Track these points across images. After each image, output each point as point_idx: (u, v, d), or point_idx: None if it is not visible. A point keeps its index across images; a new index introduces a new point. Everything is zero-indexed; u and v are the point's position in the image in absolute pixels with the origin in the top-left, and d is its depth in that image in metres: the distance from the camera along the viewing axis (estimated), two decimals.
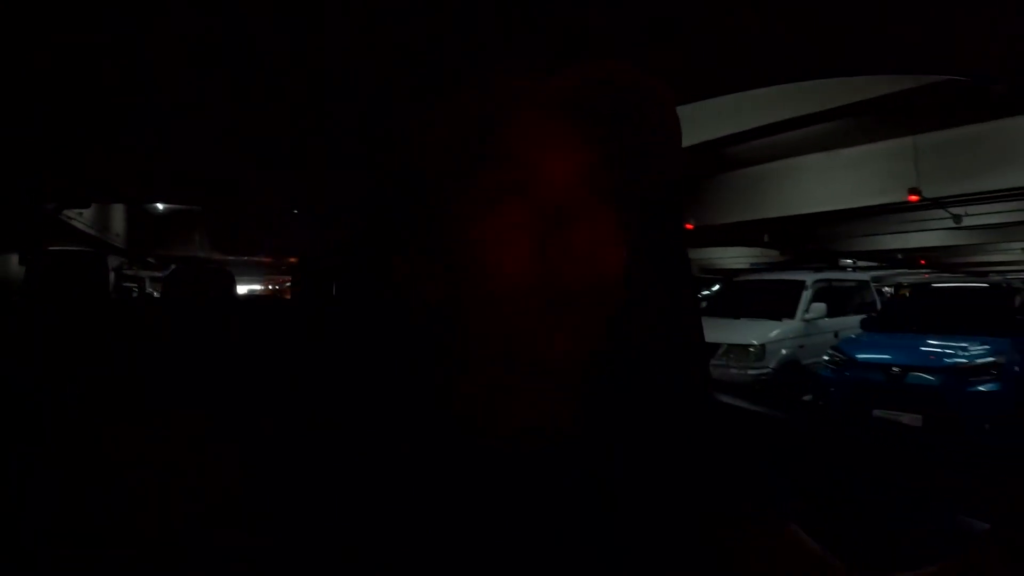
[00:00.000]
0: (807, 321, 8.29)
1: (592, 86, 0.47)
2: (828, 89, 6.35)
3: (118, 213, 12.40)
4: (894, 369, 6.18)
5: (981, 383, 5.81)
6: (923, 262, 18.04)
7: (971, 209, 12.03)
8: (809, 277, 8.91)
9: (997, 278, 10.85)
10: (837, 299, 8.94)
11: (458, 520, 0.50)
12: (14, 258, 2.40)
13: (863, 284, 10.31)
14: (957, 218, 12.18)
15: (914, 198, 9.39)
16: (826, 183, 10.30)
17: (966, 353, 6.08)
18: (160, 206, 12.15)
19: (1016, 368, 5.87)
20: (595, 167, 0.51)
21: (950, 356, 6.13)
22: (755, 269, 14.46)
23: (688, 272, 0.89)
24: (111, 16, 1.27)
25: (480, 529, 0.50)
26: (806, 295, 8.47)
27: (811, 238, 15.67)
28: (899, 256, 18.18)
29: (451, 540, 0.50)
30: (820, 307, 8.43)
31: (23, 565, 1.19)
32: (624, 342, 0.53)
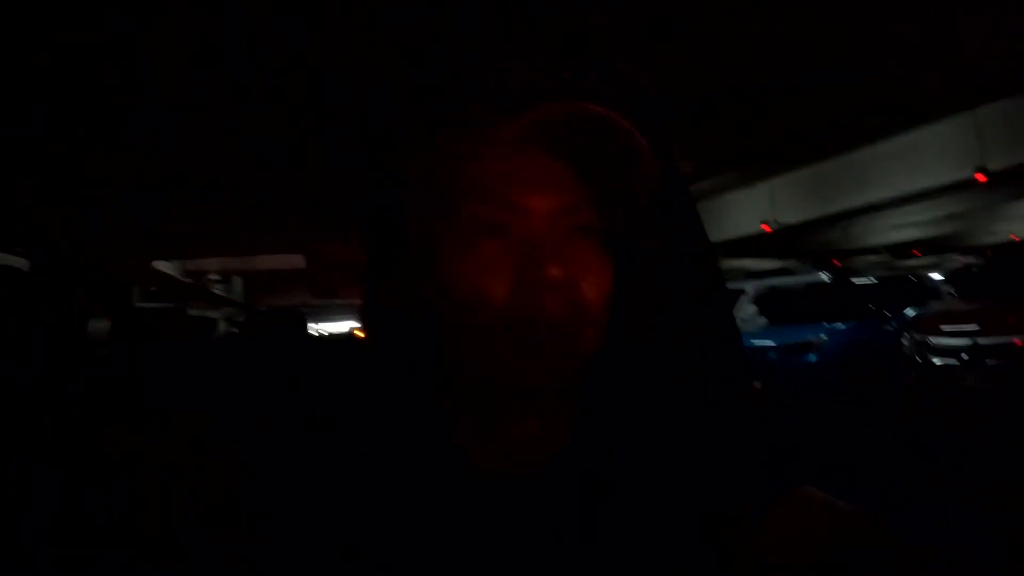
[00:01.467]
0: (742, 320, 10.30)
1: (565, 122, 0.48)
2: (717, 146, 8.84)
3: (238, 281, 18.50)
4: (752, 350, 8.21)
5: (802, 357, 8.04)
6: (917, 253, 18.70)
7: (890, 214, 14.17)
8: (751, 286, 11.19)
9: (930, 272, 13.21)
10: (783, 301, 10.89)
11: (458, 519, 0.50)
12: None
13: (813, 285, 12.17)
14: (844, 229, 14.43)
15: (766, 228, 12.31)
16: (734, 215, 13.41)
17: (800, 337, 8.21)
18: (264, 268, 16.17)
19: (832, 346, 8.00)
20: (573, 202, 0.51)
21: (788, 339, 8.30)
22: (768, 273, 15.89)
23: (696, 271, 0.87)
24: (111, 16, 1.27)
25: (479, 528, 0.50)
26: (743, 299, 10.62)
27: (798, 244, 17.49)
28: (881, 250, 19.05)
29: (451, 539, 0.50)
30: (752, 309, 10.36)
31: (23, 565, 1.19)
32: (624, 343, 0.53)
